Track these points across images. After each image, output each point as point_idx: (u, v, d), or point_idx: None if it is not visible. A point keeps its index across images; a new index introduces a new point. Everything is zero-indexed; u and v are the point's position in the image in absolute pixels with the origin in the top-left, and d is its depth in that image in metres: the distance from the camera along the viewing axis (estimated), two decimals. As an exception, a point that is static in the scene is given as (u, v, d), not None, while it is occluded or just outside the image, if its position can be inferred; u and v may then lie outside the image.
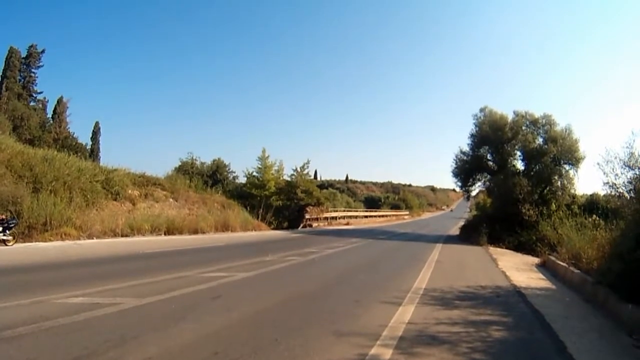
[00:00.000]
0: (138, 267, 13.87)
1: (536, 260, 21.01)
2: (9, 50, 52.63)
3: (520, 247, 28.00)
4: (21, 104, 48.98)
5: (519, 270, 17.50)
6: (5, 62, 51.88)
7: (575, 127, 35.59)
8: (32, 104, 53.97)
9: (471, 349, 6.37)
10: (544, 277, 15.79)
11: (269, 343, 6.16)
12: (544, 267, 18.46)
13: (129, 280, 10.66)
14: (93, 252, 16.69)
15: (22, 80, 54.48)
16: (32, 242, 17.52)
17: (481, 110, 38.99)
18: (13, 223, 16.64)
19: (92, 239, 19.88)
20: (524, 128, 36.90)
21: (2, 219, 16.43)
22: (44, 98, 56.84)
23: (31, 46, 55.79)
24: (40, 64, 56.43)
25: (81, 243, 18.59)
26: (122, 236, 21.74)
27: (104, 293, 9.04)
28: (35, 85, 56.23)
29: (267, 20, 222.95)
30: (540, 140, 36.22)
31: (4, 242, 16.11)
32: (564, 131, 35.04)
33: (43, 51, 56.61)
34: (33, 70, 55.70)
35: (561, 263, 15.63)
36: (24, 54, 54.55)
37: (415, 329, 7.31)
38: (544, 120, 36.46)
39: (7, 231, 16.34)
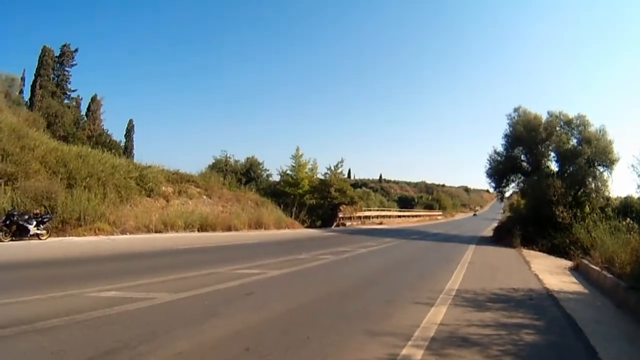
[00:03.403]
0: (171, 262, 14.07)
1: (569, 263, 20.68)
2: (42, 49, 52.99)
3: (554, 250, 27.56)
4: (55, 101, 49.29)
5: (551, 273, 17.33)
6: (39, 61, 52.26)
7: (609, 128, 34.94)
8: (66, 101, 54.16)
9: (502, 351, 6.36)
10: (576, 280, 15.62)
11: (300, 341, 6.22)
12: (576, 270, 18.22)
13: (161, 276, 10.87)
14: (126, 247, 17.05)
15: (56, 78, 54.79)
16: (65, 236, 17.92)
17: (515, 110, 38.54)
18: (47, 218, 17.03)
19: (126, 234, 20.21)
20: (558, 128, 36.39)
21: (37, 214, 16.84)
22: (78, 96, 57.23)
23: (64, 45, 56.15)
24: (74, 62, 56.74)
25: (114, 238, 18.91)
26: (155, 232, 22.07)
27: (136, 288, 9.21)
28: (69, 84, 56.51)
29: (303, 20, 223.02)
30: (574, 141, 35.73)
31: (37, 236, 16.49)
32: (598, 132, 34.55)
33: (76, 50, 56.92)
34: (66, 68, 55.97)
35: (594, 267, 15.40)
36: (57, 53, 55.00)
37: (447, 330, 7.31)
38: (578, 121, 35.93)
39: (41, 225, 16.73)
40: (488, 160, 40.53)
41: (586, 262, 17.15)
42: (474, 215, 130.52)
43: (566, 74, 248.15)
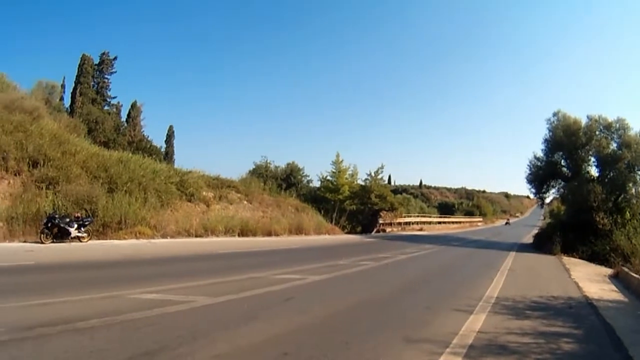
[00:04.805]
0: (211, 266, 14.33)
1: (609, 271, 20.26)
2: (81, 58, 53.79)
3: (594, 257, 27.02)
4: (95, 108, 49.89)
5: (591, 281, 17.04)
6: (79, 68, 53.26)
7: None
8: (106, 108, 54.70)
9: (540, 360, 6.31)
10: (616, 289, 15.32)
11: (339, 346, 6.25)
12: (616, 278, 17.86)
13: (201, 279, 11.07)
14: (167, 251, 17.35)
15: (96, 85, 55.48)
16: (106, 239, 18.40)
17: (554, 114, 37.99)
18: (88, 221, 17.51)
19: (166, 238, 20.58)
20: (597, 133, 35.74)
21: (78, 217, 17.33)
22: (118, 102, 57.67)
23: (103, 53, 56.68)
24: (113, 70, 57.33)
25: (155, 242, 19.31)
26: (196, 236, 22.48)
27: (176, 290, 9.39)
28: (109, 91, 57.04)
29: (343, 26, 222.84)
30: (614, 146, 35.10)
31: (78, 238, 16.96)
32: (638, 135, 33.85)
33: (115, 58, 57.32)
34: (106, 76, 56.48)
35: (634, 275, 15.13)
36: (96, 61, 55.58)
37: (486, 337, 7.27)
38: (617, 125, 35.27)
39: (82, 228, 17.28)
40: (528, 165, 40.22)
41: (626, 269, 16.85)
42: (506, 224, 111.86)
43: (606, 77, 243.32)
